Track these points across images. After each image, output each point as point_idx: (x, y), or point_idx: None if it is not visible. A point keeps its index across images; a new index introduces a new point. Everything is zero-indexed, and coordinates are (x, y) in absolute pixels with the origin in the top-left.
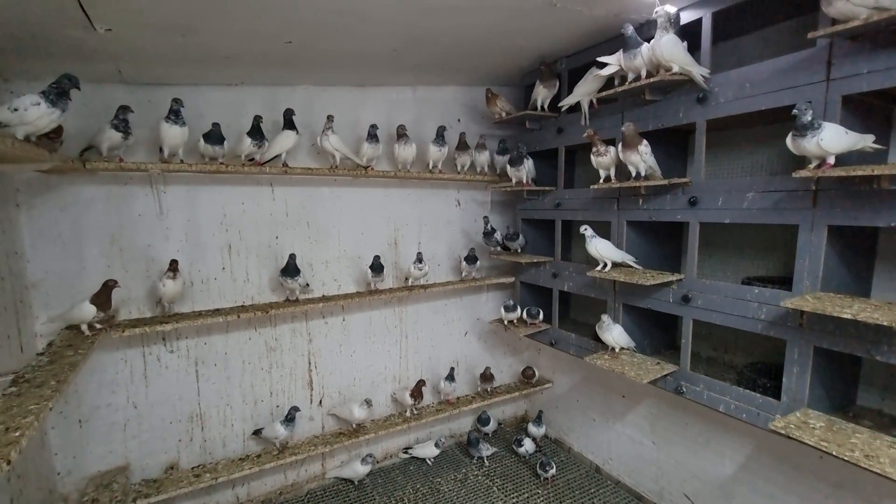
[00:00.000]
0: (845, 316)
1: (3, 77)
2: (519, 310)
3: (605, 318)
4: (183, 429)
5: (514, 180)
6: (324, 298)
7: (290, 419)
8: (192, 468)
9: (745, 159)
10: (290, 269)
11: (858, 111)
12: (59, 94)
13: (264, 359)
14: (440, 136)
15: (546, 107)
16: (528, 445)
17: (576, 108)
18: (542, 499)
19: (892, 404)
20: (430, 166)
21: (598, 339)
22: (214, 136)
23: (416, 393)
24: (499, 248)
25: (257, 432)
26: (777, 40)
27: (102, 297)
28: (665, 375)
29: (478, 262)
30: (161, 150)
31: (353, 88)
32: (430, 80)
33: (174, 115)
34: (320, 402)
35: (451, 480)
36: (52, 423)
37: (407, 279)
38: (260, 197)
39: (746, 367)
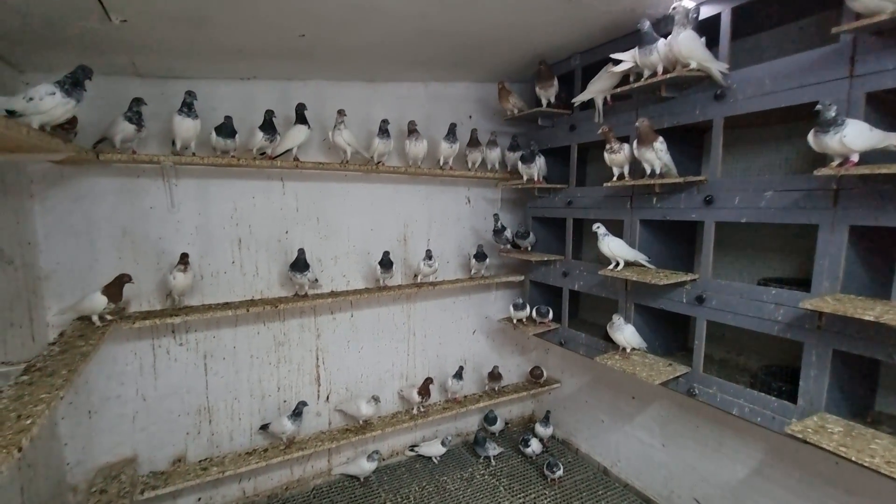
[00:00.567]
0: (868, 318)
1: (18, 68)
2: (528, 308)
3: (616, 317)
4: (191, 422)
5: (525, 178)
6: (332, 294)
7: (297, 414)
8: (200, 461)
9: (761, 158)
10: (300, 264)
11: (883, 109)
12: (73, 84)
13: (272, 353)
14: (451, 133)
15: (554, 103)
16: (534, 446)
17: (589, 104)
18: (549, 500)
19: None
20: (441, 163)
21: (608, 340)
22: (226, 129)
23: (424, 391)
24: (508, 246)
25: (264, 427)
26: (798, 37)
27: (114, 289)
28: (677, 377)
29: (487, 260)
30: (173, 142)
31: (365, 84)
32: (442, 76)
33: (187, 107)
34: (327, 397)
35: (457, 479)
36: (63, 413)
37: (416, 276)
38: (270, 191)
39: (761, 370)
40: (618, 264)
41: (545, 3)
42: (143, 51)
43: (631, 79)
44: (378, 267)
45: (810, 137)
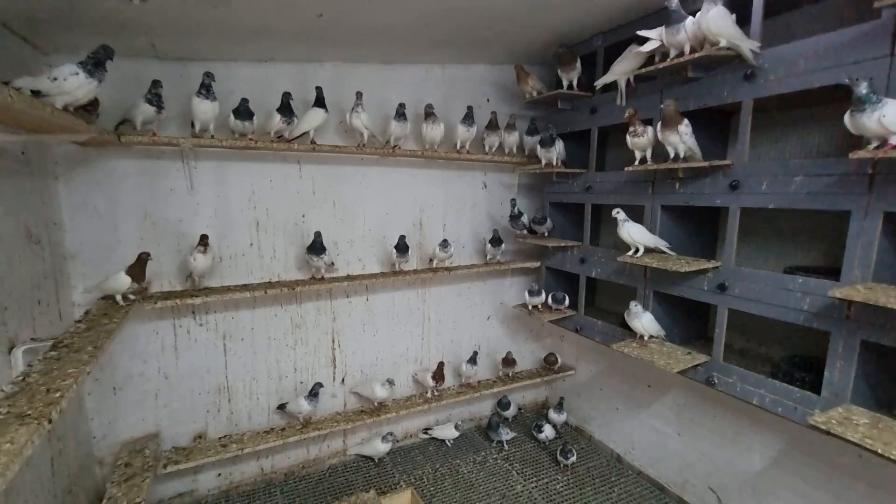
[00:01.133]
0: None
1: (42, 51)
2: (544, 295)
3: (634, 305)
4: (210, 400)
5: (543, 162)
6: (348, 277)
7: (313, 394)
8: (219, 438)
9: (791, 142)
10: (317, 247)
11: None
12: (95, 64)
13: (289, 335)
14: (469, 116)
15: (576, 86)
16: (548, 431)
17: (611, 86)
18: (562, 485)
19: None
20: (458, 146)
21: (625, 327)
22: (244, 111)
23: (438, 375)
24: (525, 232)
25: (282, 406)
26: (834, 14)
27: (137, 269)
28: (696, 366)
29: (503, 245)
30: (192, 124)
31: (382, 66)
32: (460, 58)
33: (205, 89)
34: (343, 379)
35: (470, 462)
36: (89, 388)
37: (431, 260)
38: (287, 174)
39: (783, 360)
40: (637, 250)
41: None
42: (162, 32)
43: (656, 59)
44: (394, 251)
45: (846, 118)
